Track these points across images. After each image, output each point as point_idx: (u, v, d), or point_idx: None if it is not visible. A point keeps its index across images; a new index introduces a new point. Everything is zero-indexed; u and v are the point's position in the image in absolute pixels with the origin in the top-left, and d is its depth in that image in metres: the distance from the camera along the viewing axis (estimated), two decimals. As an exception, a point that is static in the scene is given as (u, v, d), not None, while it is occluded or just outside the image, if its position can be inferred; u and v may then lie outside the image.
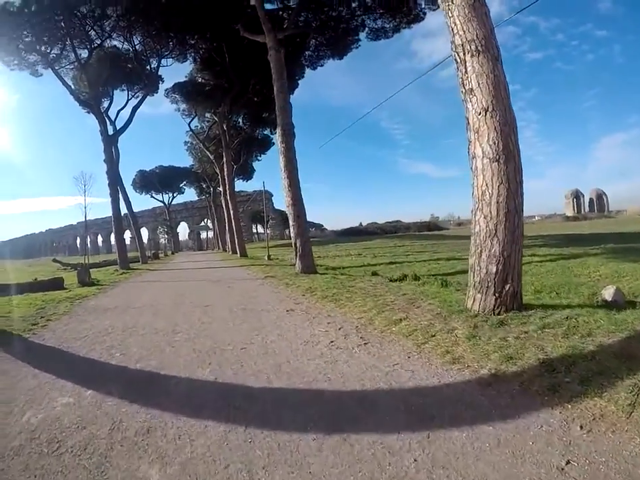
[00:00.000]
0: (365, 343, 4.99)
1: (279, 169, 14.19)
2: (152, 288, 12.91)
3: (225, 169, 31.88)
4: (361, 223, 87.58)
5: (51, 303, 10.02)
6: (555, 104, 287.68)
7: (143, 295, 11.28)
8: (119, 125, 28.00)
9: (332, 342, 5.16)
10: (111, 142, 25.92)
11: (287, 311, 7.41)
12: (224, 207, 36.39)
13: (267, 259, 24.11)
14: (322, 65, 26.85)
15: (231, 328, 6.33)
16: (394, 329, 5.53)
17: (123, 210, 28.98)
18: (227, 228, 39.45)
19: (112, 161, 25.44)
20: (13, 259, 77.10)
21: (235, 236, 32.04)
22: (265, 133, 40.28)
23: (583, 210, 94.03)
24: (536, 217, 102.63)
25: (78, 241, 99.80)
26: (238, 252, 31.07)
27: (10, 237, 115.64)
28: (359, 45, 24.71)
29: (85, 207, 18.78)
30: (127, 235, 73.79)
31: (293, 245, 13.70)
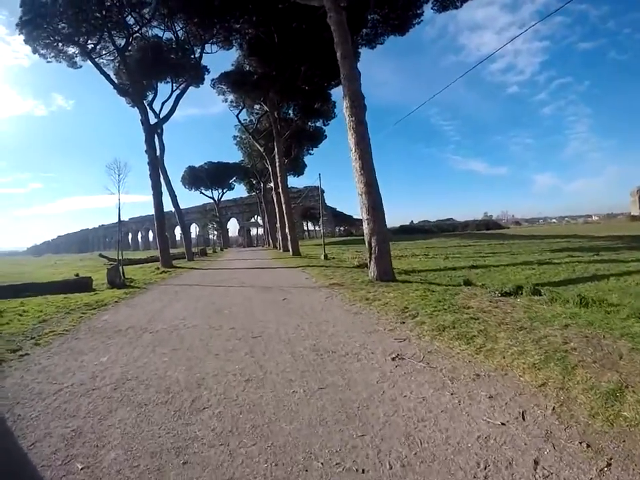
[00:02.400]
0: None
1: (348, 148, 11.23)
2: (187, 296, 10.24)
3: (277, 161, 29.24)
4: (412, 221, 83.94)
5: (60, 313, 8.16)
6: (610, 96, 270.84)
7: (171, 307, 8.61)
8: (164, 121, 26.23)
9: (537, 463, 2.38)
10: (152, 131, 24.05)
11: (393, 358, 4.38)
12: (275, 202, 33.86)
13: (323, 258, 21.38)
14: (381, 43, 24.15)
15: (297, 404, 3.38)
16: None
17: (169, 206, 27.31)
18: (277, 224, 37.12)
19: (153, 151, 23.37)
20: (68, 252, 79.10)
21: (288, 232, 29.33)
22: (317, 125, 38.18)
23: None
24: (593, 217, 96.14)
25: (130, 236, 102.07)
26: (290, 250, 28.41)
27: (67, 232, 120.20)
28: (422, 20, 22.16)
29: (119, 199, 16.39)
30: (178, 231, 74.06)
31: (367, 244, 10.67)
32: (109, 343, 5.65)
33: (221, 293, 10.51)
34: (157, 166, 23.60)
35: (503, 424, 2.83)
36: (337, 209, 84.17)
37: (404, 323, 5.84)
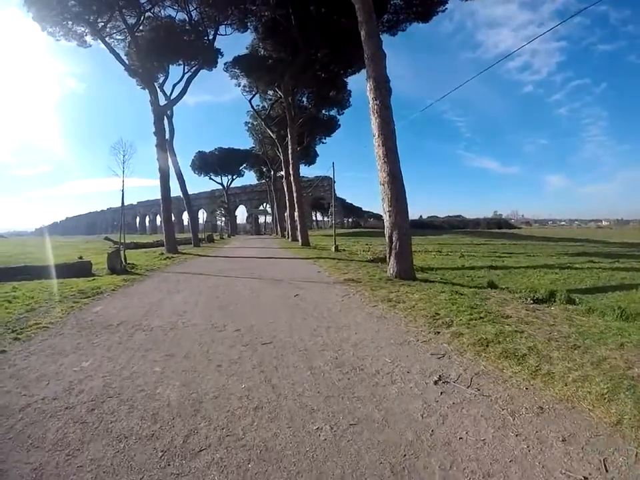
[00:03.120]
0: None
1: (371, 134, 10.36)
2: (189, 287, 9.43)
3: (289, 148, 28.30)
4: (421, 216, 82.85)
5: (51, 301, 7.48)
6: (627, 100, 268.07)
7: (171, 299, 7.81)
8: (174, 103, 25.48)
9: None
10: (162, 113, 23.30)
11: (435, 381, 3.58)
12: (286, 190, 33.04)
13: (334, 250, 20.61)
14: (403, 30, 23.29)
15: (325, 449, 2.57)
16: None
17: (177, 191, 26.64)
18: (287, 213, 36.30)
19: (162, 133, 22.55)
20: (75, 234, 78.93)
21: (298, 222, 28.47)
22: (331, 113, 37.31)
23: None
24: (603, 222, 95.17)
25: (137, 219, 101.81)
26: (300, 239, 27.62)
27: (75, 214, 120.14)
28: (446, 8, 21.28)
29: (123, 181, 15.50)
30: (186, 216, 73.63)
31: (387, 238, 9.82)
32: (96, 342, 4.89)
33: (226, 284, 9.69)
34: (165, 149, 22.82)
35: (585, 478, 2.19)
36: (347, 200, 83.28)
37: (439, 333, 5.01)
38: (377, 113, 10.06)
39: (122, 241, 15.46)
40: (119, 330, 5.42)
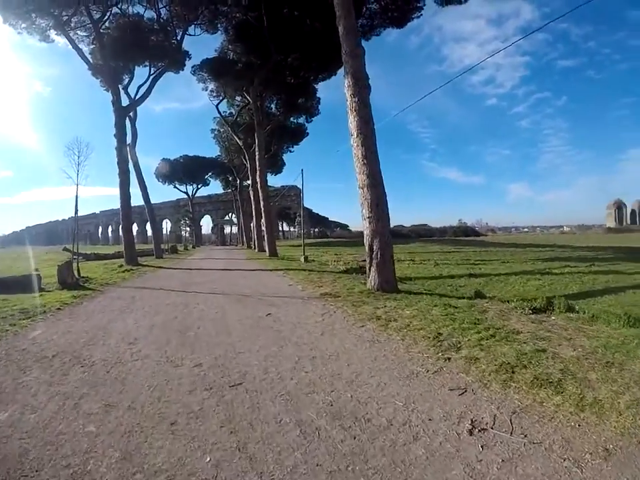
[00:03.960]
0: None
1: (349, 133, 9.53)
2: (146, 304, 8.18)
3: (257, 154, 27.23)
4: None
5: None
6: (586, 112, 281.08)
7: (123, 321, 6.60)
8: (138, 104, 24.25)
9: None
10: (124, 113, 21.96)
11: (470, 431, 2.69)
12: (252, 199, 31.95)
13: (303, 260, 19.70)
14: (377, 35, 22.87)
15: None
16: None
17: (140, 200, 25.21)
18: (253, 223, 35.13)
19: (123, 136, 21.13)
20: (34, 245, 75.06)
21: (265, 232, 27.36)
22: (299, 121, 36.54)
23: (625, 221, 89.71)
24: (565, 228, 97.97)
25: (100, 230, 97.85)
26: (267, 250, 26.50)
27: (34, 223, 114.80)
28: (422, 14, 21.10)
29: (77, 184, 14.04)
30: (150, 227, 71.53)
31: (367, 247, 8.97)
32: (22, 381, 3.81)
33: (188, 302, 8.47)
34: (125, 153, 21.37)
35: None
36: (313, 210, 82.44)
37: (449, 359, 4.14)
38: (355, 110, 9.25)
39: (75, 250, 14.06)
40: (53, 364, 4.31)
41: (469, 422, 2.81)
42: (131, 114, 24.65)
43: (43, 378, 3.89)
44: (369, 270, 8.99)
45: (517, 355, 4.02)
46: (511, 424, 2.75)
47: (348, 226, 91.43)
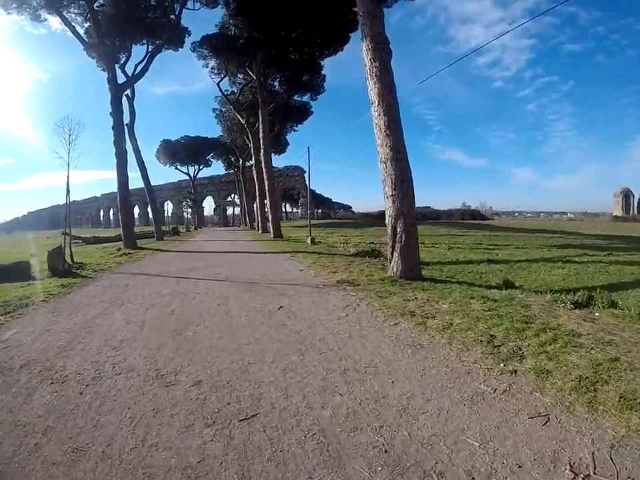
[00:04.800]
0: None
1: (369, 102, 8.48)
2: (139, 294, 7.29)
3: (260, 132, 26.06)
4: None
5: None
6: (593, 98, 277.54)
7: (110, 316, 5.65)
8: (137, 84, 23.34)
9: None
10: (120, 92, 20.78)
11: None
12: (255, 179, 30.90)
13: (310, 242, 18.67)
14: (389, 7, 20.64)
15: None
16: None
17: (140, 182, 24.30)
18: (256, 203, 34.11)
19: (120, 115, 20.03)
20: (38, 229, 74.41)
21: (269, 212, 26.34)
22: (304, 99, 35.26)
23: (632, 211, 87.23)
24: (569, 214, 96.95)
25: (101, 213, 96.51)
26: (271, 231, 25.42)
27: (37, 207, 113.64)
28: None
29: (69, 164, 12.95)
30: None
31: (390, 228, 7.98)
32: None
33: (187, 291, 7.52)
34: (122, 132, 20.29)
35: None
36: (316, 191, 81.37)
37: (515, 373, 3.22)
38: (376, 76, 8.19)
39: (68, 232, 13.09)
40: (20, 379, 3.42)
41: (567, 466, 2.05)
42: (128, 93, 23.55)
43: (1, 401, 2.99)
44: (391, 254, 8.01)
45: (592, 366, 3.16)
46: (614, 464, 2.04)
47: (351, 207, 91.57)
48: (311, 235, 19.56)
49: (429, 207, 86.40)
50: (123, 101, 21.16)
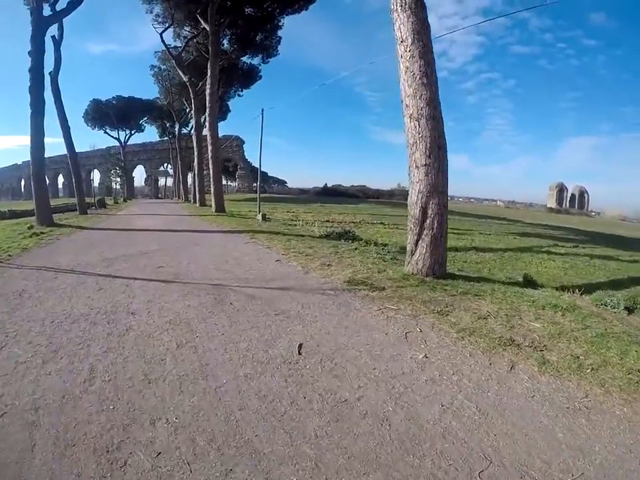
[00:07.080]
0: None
1: (395, 41, 6.35)
2: (32, 320, 4.02)
3: (208, 87, 22.81)
4: (326, 184, 79.52)
5: None
6: (531, 98, 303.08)
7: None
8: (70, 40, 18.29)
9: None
10: (44, 26, 16.49)
11: None
12: (195, 145, 27.79)
13: (261, 219, 16.32)
14: None
15: None
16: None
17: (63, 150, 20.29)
18: (194, 172, 31.09)
19: (40, 55, 15.99)
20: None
21: (212, 183, 23.18)
22: (253, 62, 32.42)
23: (564, 204, 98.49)
24: (498, 202, 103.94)
25: (22, 183, 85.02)
26: (213, 205, 22.42)
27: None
28: None
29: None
30: (96, 176, 64.23)
31: (418, 210, 5.91)
32: None
33: (115, 307, 4.52)
34: (41, 77, 16.21)
35: None
36: (253, 164, 78.27)
37: None
38: (410, 9, 6.01)
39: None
40: None
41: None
42: (55, 35, 19.31)
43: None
44: (416, 245, 5.97)
45: None
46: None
47: (286, 182, 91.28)
48: (260, 211, 17.58)
49: (364, 186, 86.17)
50: (47, 41, 16.96)
